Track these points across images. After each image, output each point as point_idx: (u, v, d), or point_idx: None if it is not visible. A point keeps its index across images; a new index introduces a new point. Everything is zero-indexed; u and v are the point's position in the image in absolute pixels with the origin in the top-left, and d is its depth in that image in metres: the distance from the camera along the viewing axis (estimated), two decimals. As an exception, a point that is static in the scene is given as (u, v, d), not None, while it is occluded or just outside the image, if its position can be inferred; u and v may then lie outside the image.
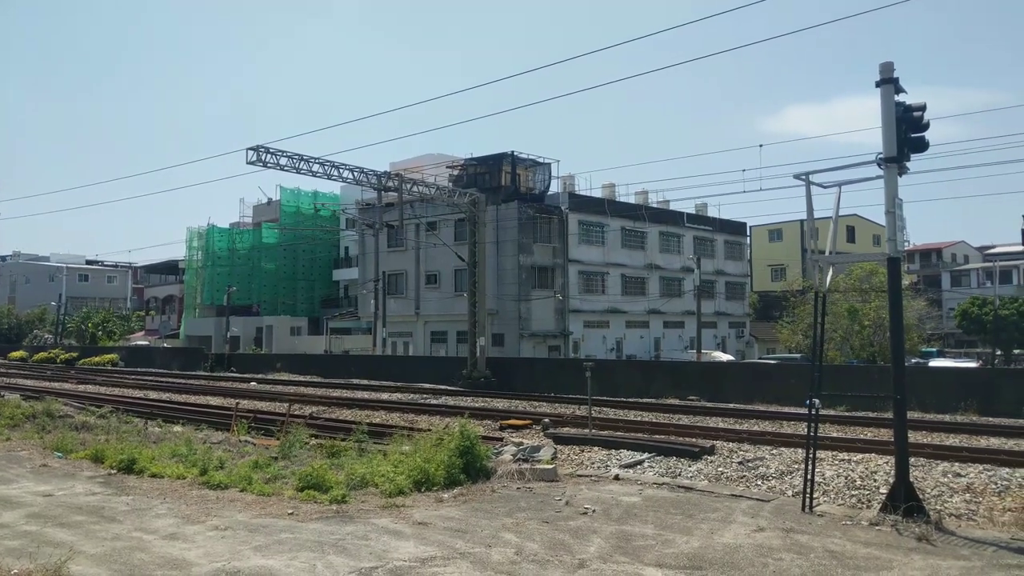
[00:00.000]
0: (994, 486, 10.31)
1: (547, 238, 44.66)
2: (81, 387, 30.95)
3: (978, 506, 9.53)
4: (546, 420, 17.36)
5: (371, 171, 27.81)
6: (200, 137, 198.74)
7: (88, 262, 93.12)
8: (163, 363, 49.53)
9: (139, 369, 46.23)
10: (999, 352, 49.58)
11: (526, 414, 19.64)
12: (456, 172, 46.99)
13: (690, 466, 12.26)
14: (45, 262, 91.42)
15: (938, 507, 9.43)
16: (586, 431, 15.51)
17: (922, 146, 9.58)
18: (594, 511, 9.27)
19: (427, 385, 30.88)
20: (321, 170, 26.21)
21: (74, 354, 55.09)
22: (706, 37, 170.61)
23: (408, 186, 28.95)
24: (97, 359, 52.08)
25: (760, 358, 51.42)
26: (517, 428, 17.04)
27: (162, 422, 18.21)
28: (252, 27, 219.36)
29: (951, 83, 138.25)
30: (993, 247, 78.60)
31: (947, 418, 19.17)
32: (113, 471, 12.01)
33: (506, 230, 42.78)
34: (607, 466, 12.62)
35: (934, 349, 48.60)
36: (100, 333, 68.45)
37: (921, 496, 9.26)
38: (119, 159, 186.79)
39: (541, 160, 47.05)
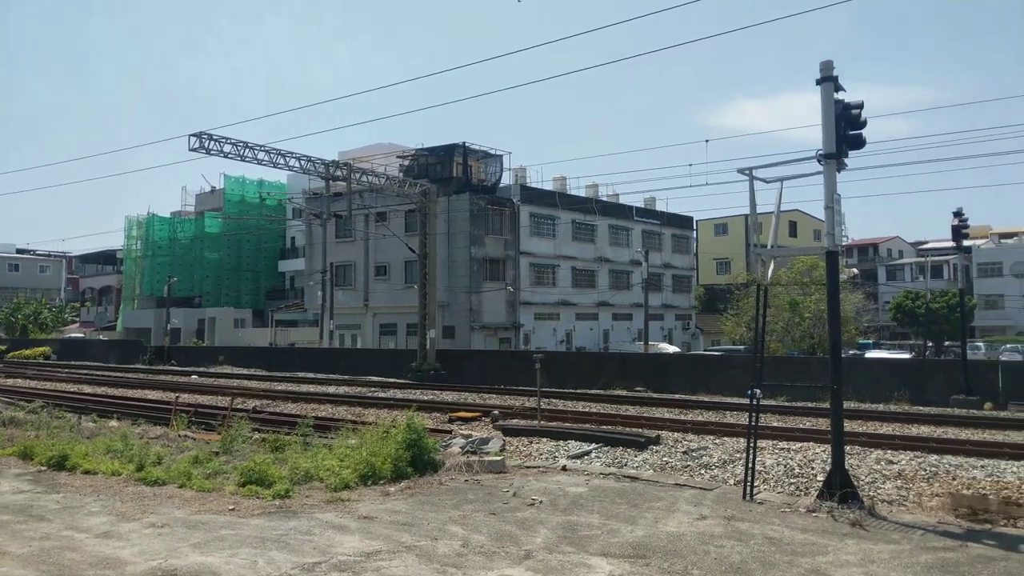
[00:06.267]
0: (923, 472, 10.73)
1: (498, 230, 44.59)
2: (10, 381, 29.69)
3: (908, 492, 9.90)
4: (495, 412, 17.37)
5: (319, 160, 27.31)
6: (140, 122, 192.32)
7: (19, 251, 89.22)
8: (99, 356, 47.98)
9: (73, 362, 44.61)
10: (930, 344, 51.64)
11: (476, 406, 19.62)
12: (407, 162, 46.51)
13: (636, 456, 12.42)
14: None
15: (872, 493, 9.76)
16: (535, 423, 15.57)
17: (859, 143, 9.84)
18: (541, 502, 9.31)
19: (376, 378, 30.57)
20: (267, 158, 25.63)
21: (2, 347, 52.83)
22: (656, 32, 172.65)
23: (357, 175, 28.52)
24: (28, 352, 50.10)
25: (705, 350, 52.43)
26: (466, 420, 17.00)
27: (97, 417, 17.56)
28: (199, 9, 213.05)
29: (885, 81, 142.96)
30: (926, 243, 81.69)
31: (881, 407, 19.87)
32: (43, 468, 11.55)
33: (457, 222, 42.57)
34: (555, 457, 12.70)
35: (870, 341, 50.30)
36: (31, 325, 65.79)
37: (856, 483, 9.57)
38: (53, 143, 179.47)
39: (493, 152, 46.97)
